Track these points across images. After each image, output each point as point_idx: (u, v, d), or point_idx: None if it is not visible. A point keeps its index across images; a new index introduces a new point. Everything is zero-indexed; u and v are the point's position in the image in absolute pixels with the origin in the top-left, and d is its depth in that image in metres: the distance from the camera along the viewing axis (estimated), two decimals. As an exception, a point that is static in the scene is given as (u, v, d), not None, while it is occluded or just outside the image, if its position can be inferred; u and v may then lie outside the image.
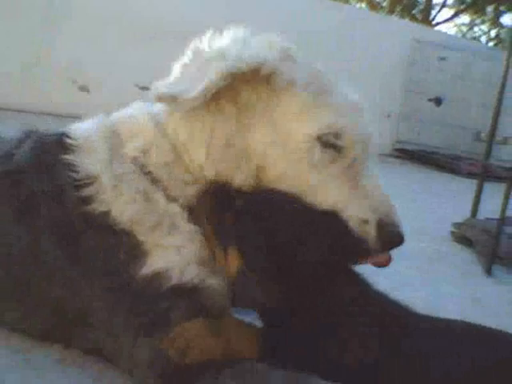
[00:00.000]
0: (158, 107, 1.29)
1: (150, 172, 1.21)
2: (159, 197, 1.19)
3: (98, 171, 1.18)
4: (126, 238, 1.14)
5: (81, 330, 1.21)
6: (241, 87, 1.20)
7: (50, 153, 1.24)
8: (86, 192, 1.16)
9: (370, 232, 1.18)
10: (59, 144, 1.24)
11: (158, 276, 1.10)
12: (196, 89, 1.13)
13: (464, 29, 21.36)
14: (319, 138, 1.19)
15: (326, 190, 1.19)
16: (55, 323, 1.24)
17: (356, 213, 1.17)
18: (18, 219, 1.21)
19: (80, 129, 1.29)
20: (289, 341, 1.07)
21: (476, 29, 21.53)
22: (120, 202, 1.15)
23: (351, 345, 1.05)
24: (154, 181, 1.20)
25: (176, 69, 1.24)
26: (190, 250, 1.15)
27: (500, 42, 18.59)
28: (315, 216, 1.16)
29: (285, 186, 1.19)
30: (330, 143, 1.19)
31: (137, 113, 1.31)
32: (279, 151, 1.19)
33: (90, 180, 1.17)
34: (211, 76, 1.13)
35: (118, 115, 1.33)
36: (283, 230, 1.09)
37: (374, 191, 1.22)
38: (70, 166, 1.19)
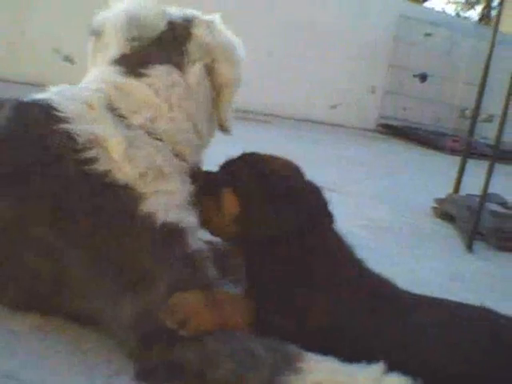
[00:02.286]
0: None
1: (160, 137, 1.28)
2: (169, 155, 1.27)
3: (106, 135, 1.20)
4: (125, 191, 1.17)
5: (57, 301, 1.22)
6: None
7: (38, 124, 1.22)
8: (87, 154, 1.17)
9: None
10: (48, 115, 1.21)
11: (151, 215, 1.17)
12: None
13: (459, 8, 21.41)
14: None
15: None
16: (30, 296, 1.24)
17: None
18: (1, 193, 1.18)
19: (64, 99, 1.26)
20: (276, 312, 1.11)
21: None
22: (127, 162, 1.19)
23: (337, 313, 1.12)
24: (165, 145, 1.28)
25: None
26: (181, 196, 1.25)
27: (485, 21, 18.56)
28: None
29: None
30: None
31: (134, 84, 1.31)
32: None
33: (93, 144, 1.18)
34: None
35: (102, 86, 1.30)
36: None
37: None
38: (68, 135, 1.18)
